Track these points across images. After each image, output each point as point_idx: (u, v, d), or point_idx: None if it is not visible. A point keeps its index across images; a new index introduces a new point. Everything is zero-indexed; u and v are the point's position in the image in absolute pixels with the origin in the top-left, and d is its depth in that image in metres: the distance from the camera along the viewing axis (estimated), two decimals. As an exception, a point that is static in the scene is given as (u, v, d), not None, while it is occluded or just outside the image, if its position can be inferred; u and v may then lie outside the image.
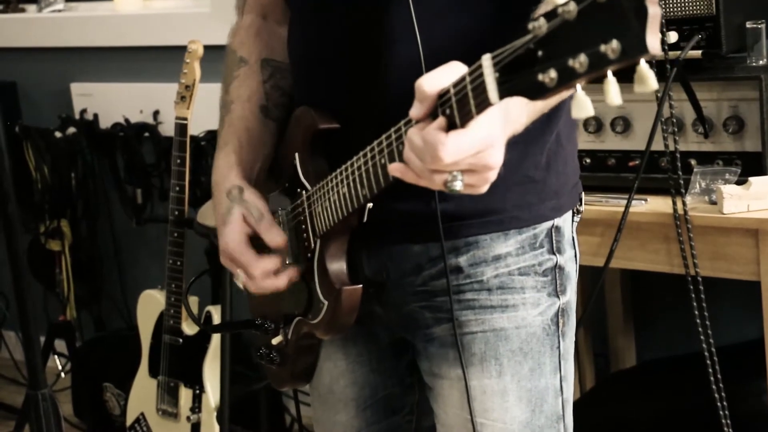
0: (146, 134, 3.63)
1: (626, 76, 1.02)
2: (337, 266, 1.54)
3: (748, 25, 2.26)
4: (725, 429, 2.17)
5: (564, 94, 1.21)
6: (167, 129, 3.53)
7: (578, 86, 1.04)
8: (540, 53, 1.06)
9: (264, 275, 1.58)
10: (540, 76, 1.06)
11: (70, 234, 3.79)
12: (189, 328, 3.04)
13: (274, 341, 1.69)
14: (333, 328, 1.57)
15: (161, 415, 3.11)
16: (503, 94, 1.13)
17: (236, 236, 1.59)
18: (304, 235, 1.58)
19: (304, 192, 1.57)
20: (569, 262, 1.62)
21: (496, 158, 1.24)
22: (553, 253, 1.59)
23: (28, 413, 2.39)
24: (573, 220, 1.64)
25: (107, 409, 3.41)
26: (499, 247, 1.56)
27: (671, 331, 2.89)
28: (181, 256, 2.99)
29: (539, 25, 1.05)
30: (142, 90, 3.67)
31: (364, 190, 1.41)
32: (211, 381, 3.00)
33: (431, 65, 1.28)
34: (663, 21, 2.09)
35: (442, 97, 1.23)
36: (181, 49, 3.02)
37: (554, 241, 1.59)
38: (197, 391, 3.03)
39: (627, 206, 2.21)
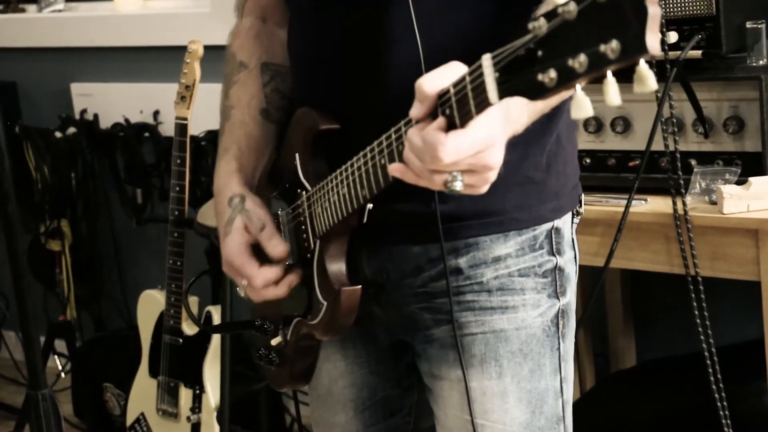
0: (146, 134, 3.63)
1: (626, 76, 1.02)
2: (337, 267, 1.54)
3: (748, 25, 2.26)
4: (725, 429, 2.17)
5: (564, 95, 1.21)
6: (167, 129, 3.53)
7: (578, 86, 1.04)
8: (540, 53, 1.06)
9: (265, 285, 1.58)
10: (540, 76, 1.06)
11: (70, 234, 3.79)
12: (189, 328, 3.04)
13: (274, 342, 1.69)
14: (332, 328, 1.57)
15: (161, 415, 3.11)
16: (503, 94, 1.13)
17: (238, 246, 1.60)
18: (304, 235, 1.58)
19: (304, 193, 1.57)
20: (569, 264, 1.62)
21: (495, 158, 1.24)
22: (553, 255, 1.59)
23: (28, 413, 2.39)
24: (573, 222, 1.64)
25: (107, 409, 3.41)
26: (498, 249, 1.56)
27: (671, 331, 2.89)
28: (181, 256, 2.99)
29: (539, 25, 1.05)
30: (142, 90, 3.67)
31: (364, 190, 1.41)
32: (211, 381, 3.00)
33: (431, 65, 1.28)
34: (663, 21, 2.09)
35: (442, 97, 1.23)
36: (181, 49, 3.02)
37: (554, 243, 1.59)
38: (197, 391, 3.03)
39: (627, 206, 2.21)
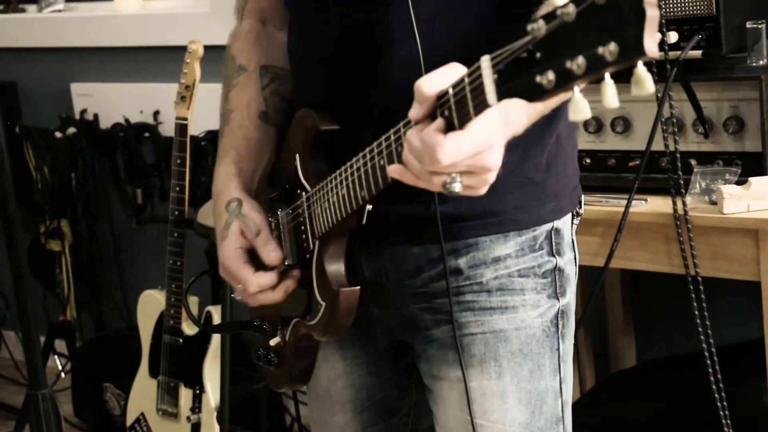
0: (146, 134, 3.63)
1: (626, 77, 1.02)
2: (335, 268, 1.55)
3: (748, 25, 2.26)
4: (725, 429, 2.17)
5: (564, 96, 1.20)
6: (167, 129, 3.53)
7: (576, 89, 1.04)
8: (538, 55, 1.06)
9: (259, 290, 1.59)
10: (538, 78, 1.06)
11: (70, 234, 3.79)
12: (189, 329, 3.04)
13: (272, 342, 1.69)
14: (330, 329, 1.57)
15: (161, 415, 3.11)
16: (501, 95, 1.13)
17: (233, 251, 1.61)
18: (303, 236, 1.58)
19: (304, 193, 1.57)
20: (569, 265, 1.62)
21: (494, 160, 1.24)
22: (553, 255, 1.59)
23: (28, 413, 2.39)
24: (573, 223, 1.64)
25: (107, 409, 3.41)
26: (498, 249, 1.56)
27: (671, 331, 2.89)
28: (181, 256, 2.99)
29: (538, 27, 1.05)
30: (142, 90, 3.68)
31: (363, 191, 1.41)
32: (211, 381, 3.00)
33: (431, 65, 1.28)
34: (663, 21, 2.09)
35: (441, 98, 1.23)
36: (181, 49, 3.02)
37: (554, 243, 1.59)
38: (197, 391, 3.03)
39: (627, 206, 2.21)
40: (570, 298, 1.63)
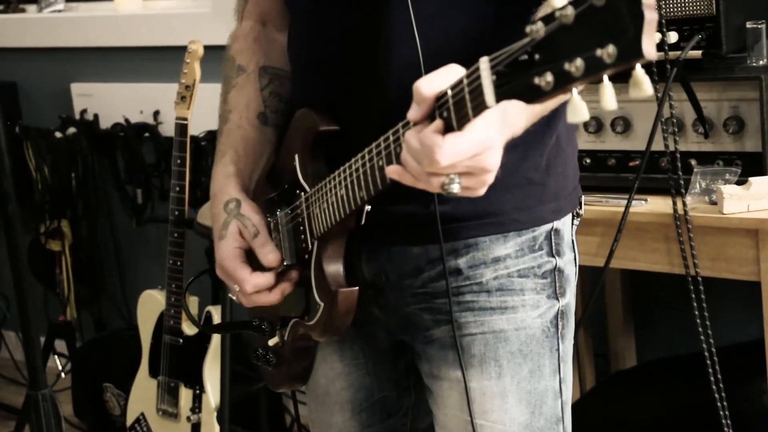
0: (146, 134, 3.63)
1: (625, 77, 1.02)
2: (334, 268, 1.55)
3: (748, 25, 2.26)
4: (725, 429, 2.17)
5: (563, 98, 1.21)
6: (167, 129, 3.53)
7: (574, 90, 1.04)
8: (537, 57, 1.07)
9: (255, 291, 1.59)
10: (536, 80, 1.06)
11: (70, 234, 3.79)
12: (189, 329, 3.05)
13: (271, 342, 1.69)
14: (329, 329, 1.57)
15: (161, 415, 3.11)
16: (500, 97, 1.13)
17: (231, 251, 1.61)
18: (302, 236, 1.58)
19: (302, 194, 1.57)
20: (568, 265, 1.62)
21: (493, 161, 1.24)
22: (553, 256, 1.59)
23: (29, 413, 2.39)
24: (573, 223, 1.64)
25: (107, 410, 3.41)
26: (498, 249, 1.56)
27: (671, 331, 2.89)
28: (181, 257, 3.00)
29: (537, 29, 1.05)
30: (142, 90, 3.67)
31: (362, 192, 1.41)
32: (212, 381, 3.00)
33: (430, 66, 1.28)
34: (663, 21, 2.08)
35: (440, 99, 1.23)
36: (181, 49, 3.02)
37: (553, 244, 1.59)
38: (197, 392, 3.03)
39: (627, 206, 2.21)
40: (570, 299, 1.63)
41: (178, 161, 2.96)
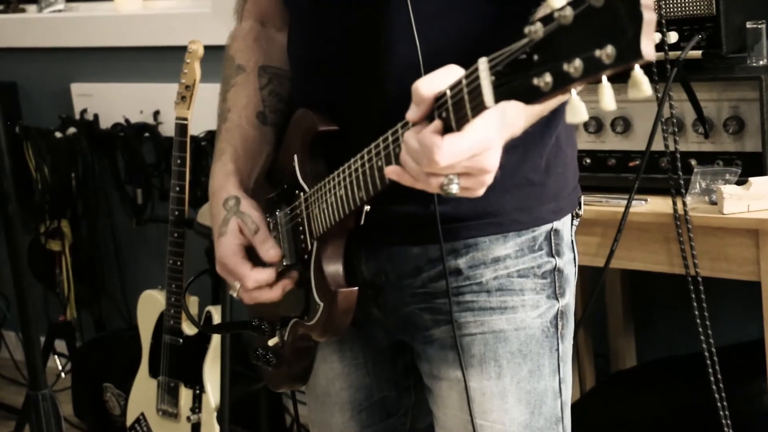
0: (146, 134, 3.63)
1: (625, 78, 1.02)
2: (334, 268, 1.55)
3: (748, 25, 2.26)
4: (725, 429, 2.17)
5: (562, 98, 1.21)
6: (167, 129, 3.53)
7: (573, 91, 1.04)
8: (536, 57, 1.07)
9: (257, 287, 1.59)
10: (535, 80, 1.06)
11: (70, 234, 3.79)
12: (189, 329, 3.04)
13: (271, 343, 1.69)
14: (329, 330, 1.57)
15: (161, 415, 3.11)
16: (499, 97, 1.13)
17: (231, 248, 1.60)
18: (302, 236, 1.58)
19: (302, 194, 1.57)
20: (568, 265, 1.62)
21: (491, 161, 1.24)
22: (552, 256, 1.59)
23: (29, 413, 2.39)
24: (572, 224, 1.64)
25: (107, 410, 3.41)
26: (498, 249, 1.56)
27: (671, 331, 2.89)
28: (181, 256, 3.00)
29: (535, 30, 1.05)
30: (142, 90, 3.67)
31: (361, 192, 1.41)
32: (212, 381, 3.00)
33: (430, 67, 1.28)
34: (663, 21, 2.08)
35: (439, 100, 1.23)
36: (182, 49, 3.02)
37: (553, 244, 1.59)
38: (197, 392, 3.03)
39: (627, 206, 2.21)
40: (569, 299, 1.63)
41: (178, 161, 2.96)
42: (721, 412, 2.16)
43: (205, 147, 3.36)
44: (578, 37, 1.01)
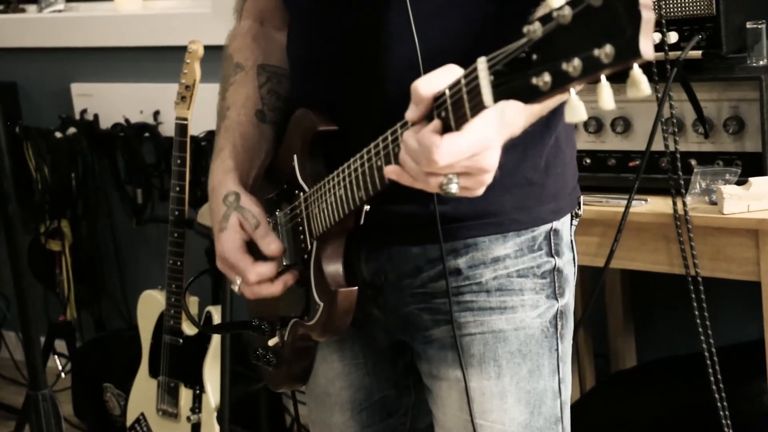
0: (146, 134, 3.63)
1: (624, 77, 1.02)
2: (333, 268, 1.55)
3: (749, 25, 2.26)
4: (725, 429, 2.17)
5: (561, 98, 1.21)
6: (167, 129, 3.53)
7: (572, 90, 1.04)
8: (535, 57, 1.07)
9: (259, 281, 1.59)
10: (534, 80, 1.06)
11: (70, 234, 3.79)
12: (189, 329, 3.04)
13: (271, 343, 1.69)
14: (328, 329, 1.57)
15: (161, 415, 3.11)
16: (497, 97, 1.13)
17: (233, 242, 1.60)
18: (301, 236, 1.58)
19: (301, 194, 1.57)
20: (567, 265, 1.62)
21: (491, 161, 1.24)
22: (552, 256, 1.59)
23: (29, 413, 2.39)
24: (572, 224, 1.64)
25: (107, 410, 3.41)
26: (497, 249, 1.56)
27: (671, 331, 2.89)
28: (181, 257, 3.00)
29: (534, 29, 1.05)
30: (142, 90, 3.67)
31: (361, 192, 1.41)
32: (212, 381, 3.00)
33: (430, 66, 1.28)
34: (663, 21, 2.09)
35: (438, 99, 1.23)
36: (182, 49, 3.02)
37: (553, 244, 1.59)
38: (197, 392, 3.03)
39: (627, 206, 2.21)
40: (569, 299, 1.63)
41: (178, 161, 2.96)
42: (721, 412, 2.16)
43: (205, 147, 3.36)
44: (577, 37, 1.01)
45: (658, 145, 2.20)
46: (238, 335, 3.03)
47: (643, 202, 2.25)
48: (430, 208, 1.49)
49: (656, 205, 2.23)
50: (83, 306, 3.92)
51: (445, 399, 1.61)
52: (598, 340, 2.96)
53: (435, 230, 1.50)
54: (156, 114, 3.63)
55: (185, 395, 3.05)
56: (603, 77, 1.00)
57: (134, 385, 3.21)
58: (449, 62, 1.26)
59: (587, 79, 1.02)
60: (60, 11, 3.96)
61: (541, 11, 1.29)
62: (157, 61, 3.64)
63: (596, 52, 0.98)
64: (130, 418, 3.22)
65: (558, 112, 1.50)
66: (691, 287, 2.16)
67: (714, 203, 2.15)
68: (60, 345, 3.90)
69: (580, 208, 1.66)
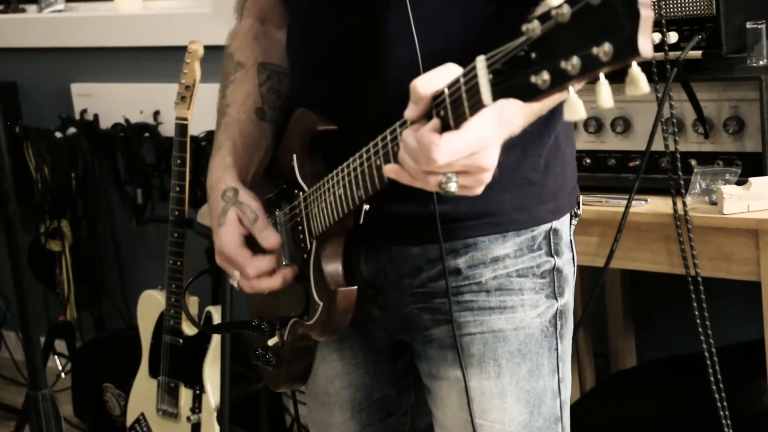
0: (146, 134, 3.63)
1: (624, 77, 1.02)
2: (333, 267, 1.55)
3: (748, 25, 2.26)
4: (725, 429, 2.17)
5: (561, 97, 1.20)
6: (167, 129, 3.53)
7: (571, 89, 1.04)
8: (533, 55, 1.07)
9: (259, 275, 1.58)
10: (533, 78, 1.06)
11: (70, 234, 3.79)
12: (189, 329, 3.04)
13: (270, 342, 1.69)
14: (328, 329, 1.57)
15: (161, 415, 3.11)
16: (496, 95, 1.13)
17: (231, 237, 1.60)
18: (301, 236, 1.58)
19: (301, 193, 1.57)
20: (567, 265, 1.62)
21: (490, 160, 1.24)
22: (551, 256, 1.59)
23: (29, 413, 2.39)
24: (571, 224, 1.64)
25: (107, 410, 3.41)
26: (497, 249, 1.56)
27: (671, 331, 2.88)
28: (181, 257, 3.00)
29: (533, 27, 1.05)
30: (142, 90, 3.67)
31: (360, 191, 1.41)
32: (212, 381, 3.00)
33: (429, 66, 1.28)
34: (663, 21, 2.08)
35: (437, 98, 1.23)
36: (181, 49, 3.02)
37: (552, 244, 1.59)
38: (197, 392, 3.03)
39: (627, 206, 2.21)
40: (568, 299, 1.63)
41: (178, 161, 2.96)
42: (721, 412, 2.16)
43: (205, 147, 3.36)
44: (576, 35, 1.01)
45: (658, 145, 2.20)
46: (238, 335, 3.03)
47: (643, 202, 2.24)
48: (429, 208, 1.49)
49: (656, 205, 2.23)
50: (83, 306, 3.92)
51: (444, 399, 1.61)
52: (598, 340, 2.96)
53: (435, 230, 1.50)
54: (156, 114, 3.63)
55: (185, 395, 3.05)
56: (602, 76, 1.00)
57: (134, 385, 3.21)
58: (449, 62, 1.26)
59: (586, 78, 1.02)
60: (60, 11, 3.96)
61: (540, 10, 1.29)
62: (157, 61, 3.64)
63: (595, 50, 0.98)
64: (130, 418, 3.22)
65: (557, 111, 1.50)
66: (691, 287, 2.16)
67: (714, 203, 2.15)
68: (60, 345, 3.90)
69: (579, 207, 1.66)
